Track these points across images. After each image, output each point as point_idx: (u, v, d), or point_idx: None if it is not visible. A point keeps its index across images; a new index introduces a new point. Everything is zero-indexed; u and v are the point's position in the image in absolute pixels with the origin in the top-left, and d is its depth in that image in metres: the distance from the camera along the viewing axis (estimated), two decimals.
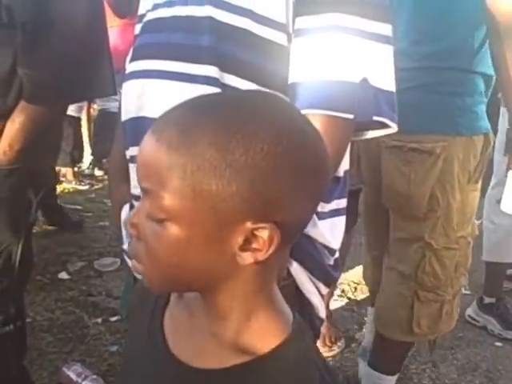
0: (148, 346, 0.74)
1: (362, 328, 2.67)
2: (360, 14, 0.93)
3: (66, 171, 4.65)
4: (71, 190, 4.58)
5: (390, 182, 1.85)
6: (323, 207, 1.03)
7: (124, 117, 1.08)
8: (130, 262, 0.65)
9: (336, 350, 2.47)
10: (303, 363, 0.66)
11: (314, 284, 1.04)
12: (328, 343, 2.45)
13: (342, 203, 1.10)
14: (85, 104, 4.84)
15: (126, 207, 1.14)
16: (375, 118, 0.97)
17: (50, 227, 3.58)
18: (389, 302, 1.94)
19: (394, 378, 2.07)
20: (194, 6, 0.98)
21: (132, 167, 1.08)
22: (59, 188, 4.48)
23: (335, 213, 1.07)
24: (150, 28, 1.06)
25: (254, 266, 0.62)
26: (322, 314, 1.09)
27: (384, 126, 1.00)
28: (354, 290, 3.08)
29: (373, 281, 2.15)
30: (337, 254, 1.10)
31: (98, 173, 5.07)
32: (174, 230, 0.60)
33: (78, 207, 4.13)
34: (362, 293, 3.04)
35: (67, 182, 4.64)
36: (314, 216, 0.98)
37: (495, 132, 2.03)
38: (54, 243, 3.37)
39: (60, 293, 2.79)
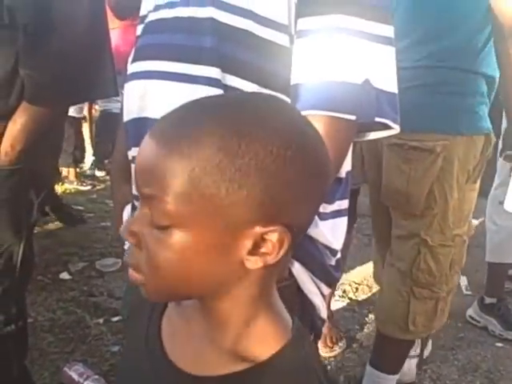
0: (146, 352, 0.72)
1: (364, 328, 2.68)
2: (362, 16, 0.93)
3: (67, 172, 4.66)
4: (73, 190, 4.59)
5: (389, 180, 1.87)
6: (325, 208, 1.03)
7: (126, 117, 1.09)
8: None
9: (337, 350, 2.47)
10: (302, 371, 0.65)
11: (316, 284, 1.04)
12: (329, 343, 2.45)
13: (343, 204, 1.10)
14: (85, 104, 4.86)
15: (128, 208, 1.14)
16: (377, 120, 0.97)
17: (52, 227, 3.59)
18: (388, 299, 1.97)
19: (395, 377, 2.08)
20: (195, 7, 0.98)
21: (134, 168, 1.08)
22: (61, 189, 4.49)
23: (337, 214, 1.07)
24: (151, 29, 1.06)
25: (260, 271, 0.61)
26: (324, 314, 1.09)
27: (386, 127, 1.01)
28: (355, 290, 3.08)
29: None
30: (338, 255, 1.10)
31: (99, 173, 5.08)
32: (179, 236, 0.58)
33: (80, 208, 4.14)
34: (364, 293, 3.04)
35: (69, 183, 4.65)
36: (316, 217, 0.99)
37: (498, 134, 2.04)
38: (55, 243, 3.37)
39: (61, 293, 2.79)
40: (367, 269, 3.10)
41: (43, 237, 3.37)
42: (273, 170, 0.57)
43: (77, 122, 4.74)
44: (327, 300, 1.73)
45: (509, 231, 2.75)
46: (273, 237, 0.58)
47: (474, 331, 2.76)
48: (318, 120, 0.88)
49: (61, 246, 3.34)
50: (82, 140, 5.06)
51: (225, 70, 0.95)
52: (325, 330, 2.31)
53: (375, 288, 2.92)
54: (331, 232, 1.05)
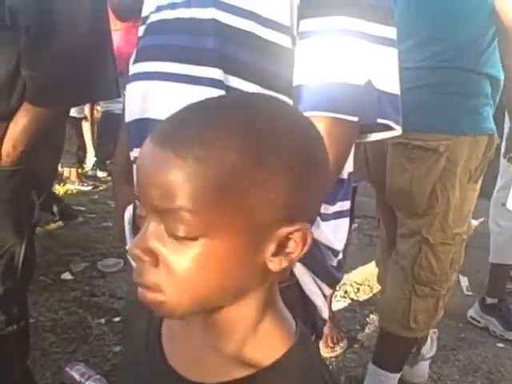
0: (146, 357, 0.70)
1: (365, 329, 2.68)
2: (365, 17, 0.93)
3: (69, 172, 4.67)
4: (75, 191, 4.60)
5: (393, 179, 1.89)
6: (327, 209, 1.04)
7: (128, 118, 1.09)
8: (143, 293, 0.59)
9: (338, 350, 2.47)
10: (309, 374, 0.63)
11: (318, 285, 1.04)
12: (330, 344, 2.45)
13: (345, 205, 1.10)
14: (87, 105, 4.87)
15: (130, 208, 1.14)
16: (379, 121, 0.97)
17: (53, 228, 3.59)
18: (391, 296, 2.00)
19: (397, 375, 2.10)
20: (197, 8, 0.99)
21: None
22: (63, 189, 4.50)
23: (339, 214, 1.07)
24: (153, 30, 1.06)
25: (277, 273, 0.59)
26: (325, 314, 1.09)
27: (388, 128, 1.01)
28: (356, 290, 3.09)
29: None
30: (340, 255, 1.11)
31: (101, 174, 5.09)
32: (205, 246, 0.55)
33: (82, 208, 4.15)
34: (365, 294, 3.05)
35: (71, 184, 4.66)
36: (318, 218, 0.99)
37: (501, 136, 2.05)
38: (57, 244, 3.38)
39: (63, 293, 2.80)
40: (369, 269, 3.11)
41: (45, 237, 3.38)
42: (295, 169, 0.56)
43: (78, 122, 4.75)
44: (328, 300, 1.74)
45: None
46: (297, 235, 0.58)
47: (474, 332, 2.76)
48: (320, 121, 0.88)
49: (62, 247, 3.35)
50: (83, 140, 5.06)
51: (227, 71, 0.95)
52: (326, 330, 2.30)
53: (376, 288, 2.92)
54: (333, 233, 1.05)
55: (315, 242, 1.02)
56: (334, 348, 2.46)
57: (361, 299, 3.00)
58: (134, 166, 1.10)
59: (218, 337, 0.63)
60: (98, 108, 5.26)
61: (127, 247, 1.13)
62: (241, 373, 0.62)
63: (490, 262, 2.85)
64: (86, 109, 4.98)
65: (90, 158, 5.20)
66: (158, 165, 0.55)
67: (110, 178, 4.59)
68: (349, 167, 1.08)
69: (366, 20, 0.94)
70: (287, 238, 0.58)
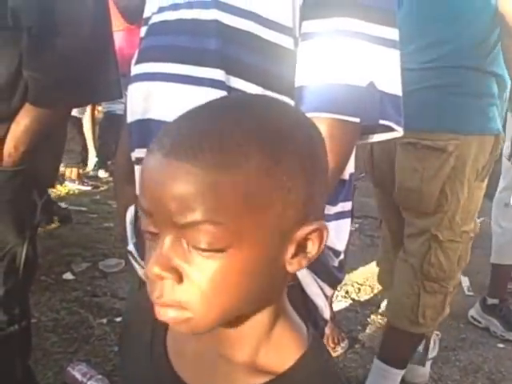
0: (152, 370, 0.68)
1: (366, 329, 2.68)
2: (367, 19, 0.94)
3: (70, 172, 4.67)
4: (76, 191, 4.60)
5: (402, 179, 1.91)
6: (329, 210, 1.04)
7: (130, 118, 1.09)
8: (157, 305, 0.56)
9: (339, 350, 2.47)
10: (326, 377, 0.62)
11: (319, 285, 1.04)
12: (331, 344, 2.45)
13: (347, 206, 1.10)
14: (88, 105, 4.87)
15: (132, 209, 1.14)
16: (381, 122, 0.98)
17: (55, 228, 3.60)
18: (399, 292, 2.01)
19: (401, 372, 2.11)
20: (199, 9, 0.99)
21: (138, 169, 1.08)
22: (64, 190, 4.50)
23: (340, 215, 1.08)
24: (155, 31, 1.06)
25: (292, 275, 0.59)
26: (326, 315, 1.09)
27: (390, 129, 1.01)
28: (357, 291, 3.09)
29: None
30: (342, 256, 1.11)
31: (102, 174, 5.09)
32: (234, 256, 0.53)
33: (83, 209, 4.15)
34: (366, 294, 3.05)
35: (72, 184, 4.66)
36: None
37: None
38: (58, 244, 3.38)
39: (65, 293, 2.80)
40: (370, 269, 3.11)
41: (46, 237, 3.38)
42: (307, 168, 0.56)
43: (79, 122, 4.76)
44: (329, 300, 1.74)
45: None
46: (314, 234, 0.57)
47: (475, 332, 2.76)
48: (322, 122, 0.88)
49: (64, 247, 3.35)
50: (84, 140, 5.07)
51: (229, 72, 0.95)
52: (327, 330, 2.31)
53: (378, 289, 2.92)
54: (335, 233, 1.06)
55: None
56: (335, 348, 2.46)
57: (362, 299, 3.01)
58: (136, 167, 1.10)
59: (232, 345, 0.61)
60: (100, 108, 5.27)
61: (129, 248, 1.13)
62: (255, 381, 0.60)
63: (491, 263, 2.86)
64: (88, 109, 4.98)
65: (92, 159, 5.20)
66: (172, 177, 0.52)
67: (111, 179, 4.59)
68: (350, 168, 1.08)
69: (368, 21, 0.94)
70: (306, 238, 0.57)
